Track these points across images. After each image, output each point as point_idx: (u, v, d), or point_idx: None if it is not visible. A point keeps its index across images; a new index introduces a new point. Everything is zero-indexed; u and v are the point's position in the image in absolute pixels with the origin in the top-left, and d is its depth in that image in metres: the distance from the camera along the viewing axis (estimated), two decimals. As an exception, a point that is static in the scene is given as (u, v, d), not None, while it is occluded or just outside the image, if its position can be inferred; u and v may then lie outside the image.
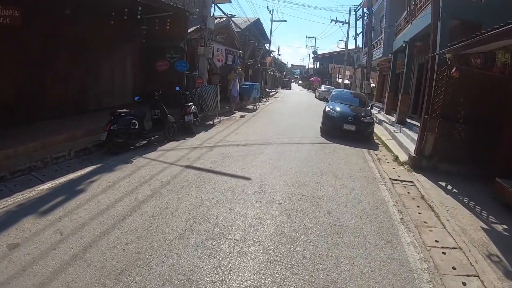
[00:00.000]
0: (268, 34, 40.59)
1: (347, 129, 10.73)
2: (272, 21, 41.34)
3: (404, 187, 6.78)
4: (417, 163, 8.09)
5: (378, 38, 20.32)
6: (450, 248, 4.33)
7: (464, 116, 7.74)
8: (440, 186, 6.95)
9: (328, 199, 5.46)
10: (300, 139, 10.19)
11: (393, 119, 15.22)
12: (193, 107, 9.96)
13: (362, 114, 11.25)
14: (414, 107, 14.85)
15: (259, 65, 23.05)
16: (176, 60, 12.27)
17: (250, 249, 3.69)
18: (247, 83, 17.51)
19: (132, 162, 6.56)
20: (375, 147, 10.61)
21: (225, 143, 8.83)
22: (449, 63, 7.76)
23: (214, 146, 8.46)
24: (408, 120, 13.69)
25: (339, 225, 4.54)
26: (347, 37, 35.86)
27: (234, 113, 15.23)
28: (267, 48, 40.86)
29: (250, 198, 5.16)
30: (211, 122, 11.71)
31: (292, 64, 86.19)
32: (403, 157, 8.99)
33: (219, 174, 6.19)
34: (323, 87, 34.31)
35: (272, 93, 32.18)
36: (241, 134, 10.31)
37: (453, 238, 4.59)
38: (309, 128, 12.58)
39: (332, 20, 35.71)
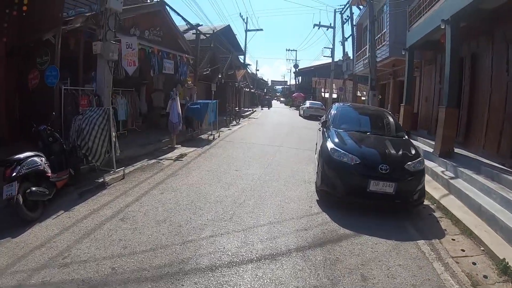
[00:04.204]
0: (242, 45, 35.58)
1: (377, 192, 5.02)
2: (246, 30, 36.36)
3: None
4: None
5: (380, 34, 15.13)
6: None
7: None
8: None
9: None
10: (269, 233, 4.30)
11: (425, 147, 9.71)
12: (29, 160, 4.36)
13: (402, 153, 5.58)
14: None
15: (219, 76, 17.14)
16: (46, 66, 6.72)
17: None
18: (200, 101, 11.71)
19: None
20: (434, 225, 5.05)
21: (50, 278, 3.02)
22: None
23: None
24: (456, 150, 8.29)
25: None
26: (333, 43, 30.95)
27: (174, 149, 9.46)
28: (242, 61, 35.78)
29: None
30: (101, 180, 5.90)
31: (272, 80, 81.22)
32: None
33: None
34: (308, 103, 28.91)
35: (247, 113, 26.58)
36: (134, 219, 4.45)
37: None
38: (292, 182, 6.76)
39: (315, 25, 30.71)
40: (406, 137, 6.45)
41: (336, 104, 8.30)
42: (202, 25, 24.13)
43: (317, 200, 5.66)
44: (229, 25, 30.98)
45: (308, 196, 5.85)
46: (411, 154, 5.53)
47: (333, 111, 7.48)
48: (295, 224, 4.57)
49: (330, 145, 5.66)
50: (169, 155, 8.61)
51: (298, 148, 10.82)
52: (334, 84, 32.91)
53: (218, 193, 5.69)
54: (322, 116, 26.96)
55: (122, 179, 6.27)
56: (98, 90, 7.28)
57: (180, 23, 16.84)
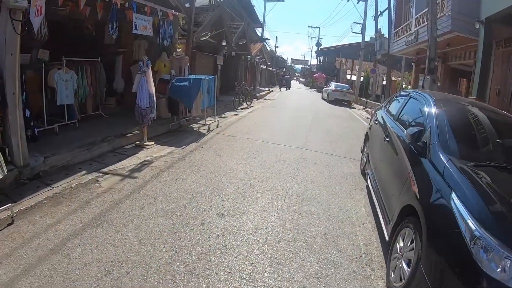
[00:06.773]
0: (260, 18, 31.72)
1: None
2: (265, 0, 32.34)
3: None
4: None
5: (438, 1, 11.43)
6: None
7: None
8: None
9: None
10: None
11: None
12: None
13: None
14: None
15: (224, 44, 13.40)
16: None
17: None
18: (190, 76, 8.36)
19: None
20: None
21: None
22: None
23: None
24: None
25: None
26: (365, 18, 26.86)
27: (142, 149, 6.32)
28: (260, 35, 32.06)
29: None
30: None
31: (292, 59, 76.45)
32: None
33: None
34: (333, 85, 25.05)
35: (263, 94, 23.17)
36: None
37: None
38: (337, 273, 3.09)
39: (344, -4, 26.64)
40: None
41: (425, 93, 4.14)
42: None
43: None
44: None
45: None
46: None
47: (427, 109, 3.52)
48: None
49: (469, 223, 1.98)
50: (124, 162, 5.44)
51: (330, 153, 7.42)
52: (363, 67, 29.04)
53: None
54: (349, 100, 23.28)
55: (10, 224, 3.23)
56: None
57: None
